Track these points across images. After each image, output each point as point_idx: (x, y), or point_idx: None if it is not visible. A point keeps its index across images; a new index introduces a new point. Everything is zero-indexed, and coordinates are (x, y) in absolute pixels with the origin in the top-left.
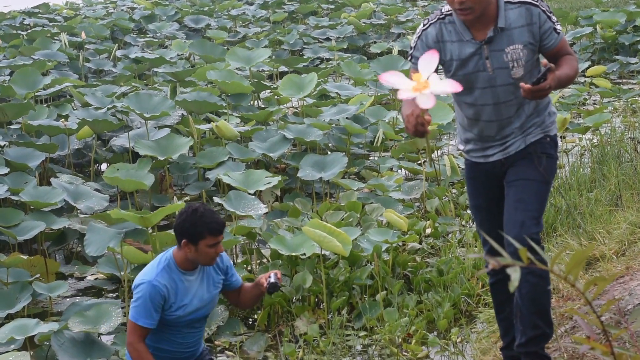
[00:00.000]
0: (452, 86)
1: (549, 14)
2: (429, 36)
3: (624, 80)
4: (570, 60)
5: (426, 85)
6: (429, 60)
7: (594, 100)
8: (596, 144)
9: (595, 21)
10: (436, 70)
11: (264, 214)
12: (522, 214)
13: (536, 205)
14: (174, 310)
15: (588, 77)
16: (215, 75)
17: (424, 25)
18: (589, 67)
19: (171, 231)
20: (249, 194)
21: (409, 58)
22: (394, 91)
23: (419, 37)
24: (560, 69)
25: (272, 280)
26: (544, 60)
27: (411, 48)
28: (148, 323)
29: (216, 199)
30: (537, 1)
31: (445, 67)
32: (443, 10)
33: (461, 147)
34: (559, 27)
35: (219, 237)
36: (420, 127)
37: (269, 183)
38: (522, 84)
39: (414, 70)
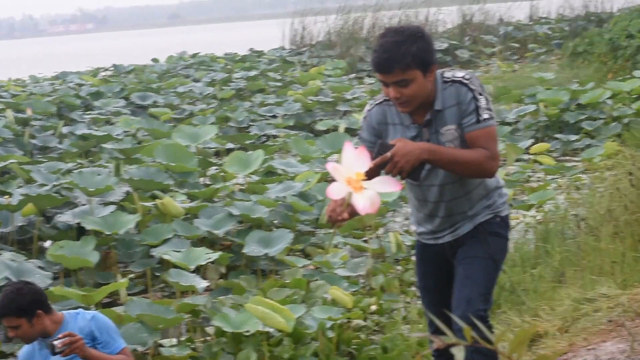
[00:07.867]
0: (391, 185)
1: (478, 95)
2: (373, 117)
3: (567, 158)
4: (478, 150)
5: (361, 186)
6: (357, 157)
7: (538, 178)
8: (540, 220)
9: (538, 99)
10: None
11: (209, 291)
12: (469, 291)
13: (484, 282)
14: None
15: (532, 154)
16: (159, 153)
17: (370, 105)
18: (533, 144)
19: (114, 308)
20: (190, 270)
21: (358, 137)
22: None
23: (364, 118)
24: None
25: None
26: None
27: (360, 128)
28: None
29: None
30: (467, 79)
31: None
32: None
33: (413, 228)
34: (485, 114)
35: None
36: (335, 215)
37: (209, 258)
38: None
39: (362, 147)
